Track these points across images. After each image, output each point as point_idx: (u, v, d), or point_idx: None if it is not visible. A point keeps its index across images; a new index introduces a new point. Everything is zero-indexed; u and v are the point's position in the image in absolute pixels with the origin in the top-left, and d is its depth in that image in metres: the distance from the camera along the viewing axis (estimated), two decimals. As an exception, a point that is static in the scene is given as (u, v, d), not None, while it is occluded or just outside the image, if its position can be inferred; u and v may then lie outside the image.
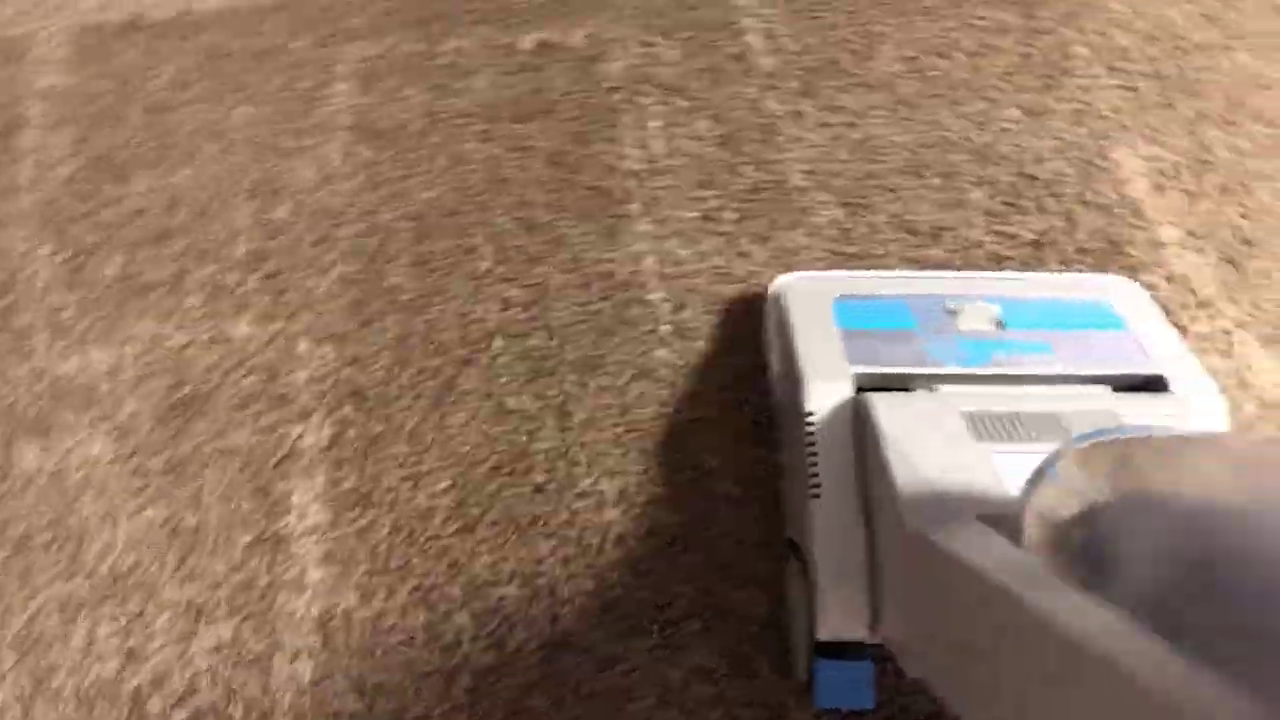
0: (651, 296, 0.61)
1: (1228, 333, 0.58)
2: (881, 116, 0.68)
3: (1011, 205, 0.63)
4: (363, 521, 0.54)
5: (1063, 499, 0.34)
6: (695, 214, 0.64)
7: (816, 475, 0.45)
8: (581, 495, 0.54)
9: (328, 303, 0.62)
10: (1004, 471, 0.40)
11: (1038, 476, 0.36)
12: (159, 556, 0.54)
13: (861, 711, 0.47)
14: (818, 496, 0.44)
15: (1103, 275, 0.56)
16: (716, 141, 0.67)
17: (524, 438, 0.56)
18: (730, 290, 0.60)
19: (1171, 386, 0.45)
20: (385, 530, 0.54)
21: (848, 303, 0.52)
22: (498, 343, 0.60)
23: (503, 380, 0.58)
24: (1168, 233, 0.62)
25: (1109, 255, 0.60)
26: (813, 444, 0.46)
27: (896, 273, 0.55)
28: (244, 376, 0.60)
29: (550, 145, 0.68)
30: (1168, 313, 0.58)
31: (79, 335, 0.62)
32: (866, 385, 0.47)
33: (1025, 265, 0.60)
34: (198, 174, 0.69)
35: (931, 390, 0.46)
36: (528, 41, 0.74)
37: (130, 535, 0.55)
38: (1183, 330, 0.57)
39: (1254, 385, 0.56)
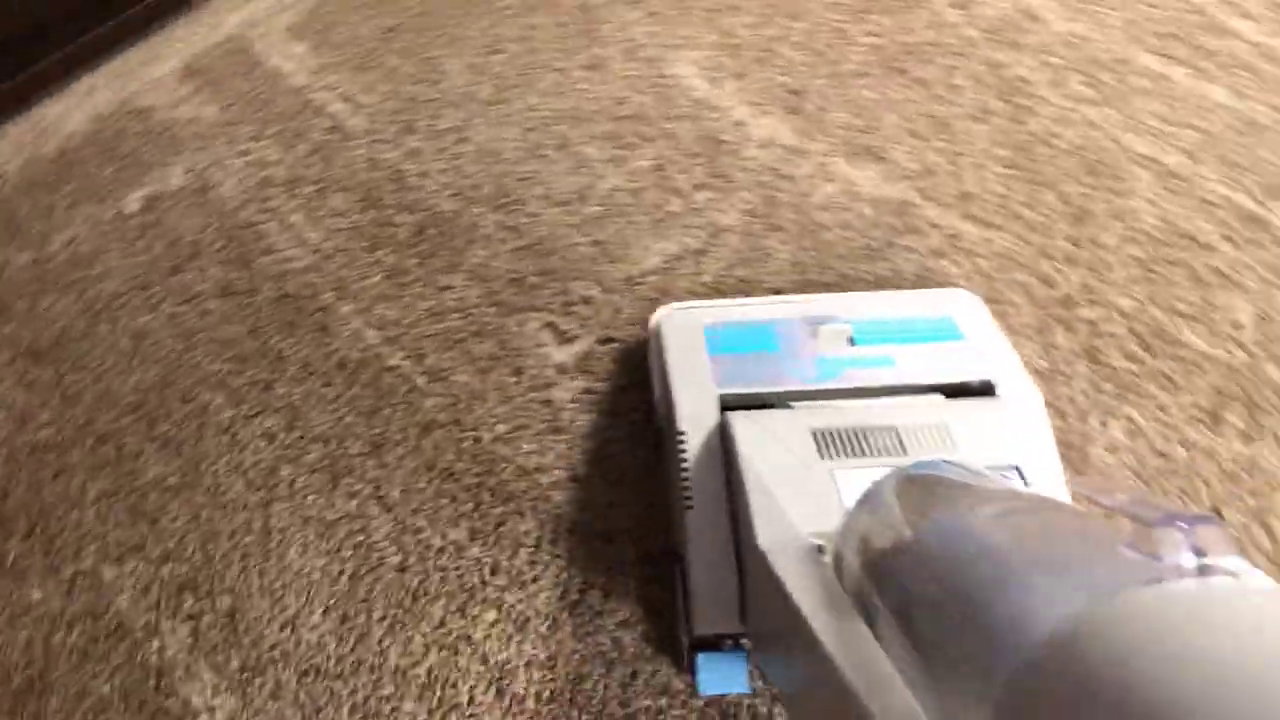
0: (393, 362, 0.65)
1: (823, 164, 0.72)
2: (480, 122, 0.75)
3: (624, 147, 0.73)
4: (269, 685, 0.56)
5: (879, 529, 0.40)
6: (381, 275, 0.69)
7: (689, 488, 0.49)
8: (439, 550, 0.59)
9: (103, 525, 0.61)
10: (845, 487, 0.46)
11: (861, 504, 0.43)
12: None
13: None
14: (691, 508, 0.49)
15: (949, 290, 0.61)
16: (359, 208, 0.72)
17: (361, 535, 0.60)
18: (453, 322, 0.66)
19: (998, 391, 0.52)
20: (293, 681, 0.56)
21: (716, 330, 0.56)
22: (284, 471, 0.62)
23: (310, 500, 0.61)
24: (740, 111, 0.74)
25: (713, 150, 0.72)
26: (684, 460, 0.50)
27: (762, 300, 0.60)
28: (66, 635, 0.58)
29: (215, 281, 0.70)
30: (776, 176, 0.71)
31: None
32: (731, 404, 0.51)
33: (656, 191, 0.71)
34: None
35: (787, 407, 0.51)
36: (133, 203, 0.74)
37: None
38: (789, 179, 0.71)
39: (860, 192, 0.70)
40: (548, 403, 0.63)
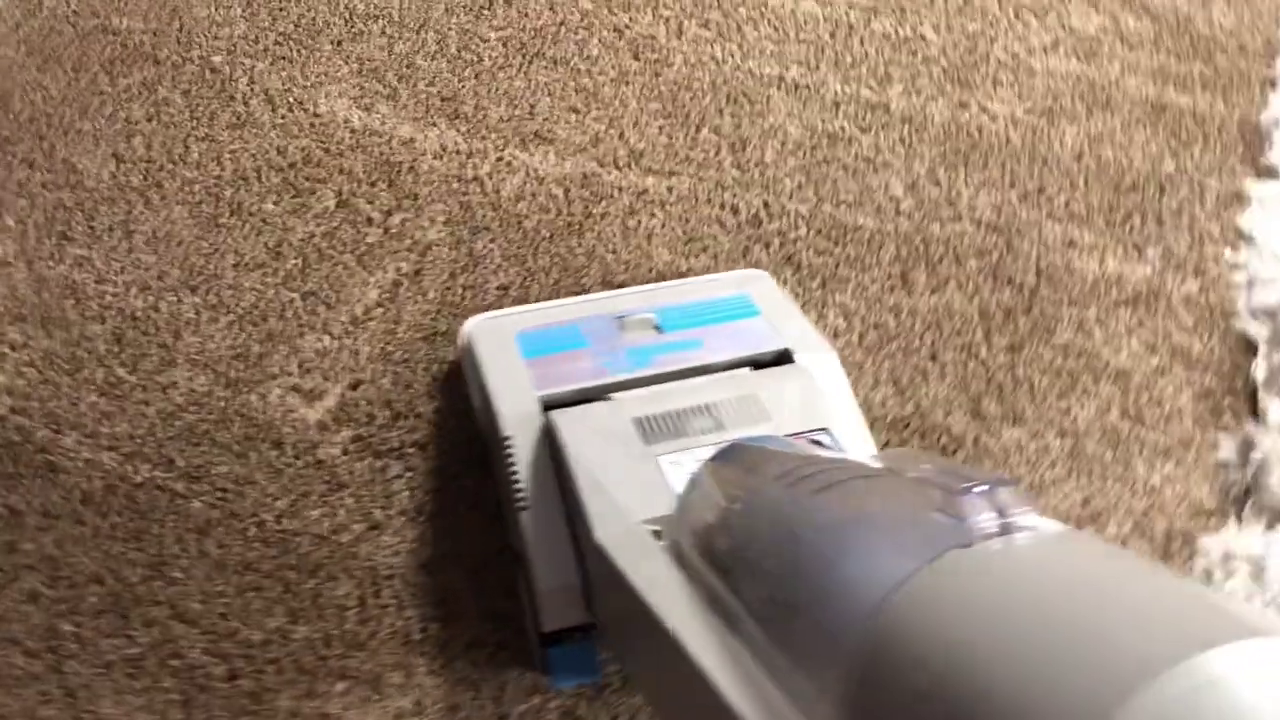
0: (141, 477, 0.62)
1: (501, 159, 0.74)
2: (142, 210, 0.71)
3: (302, 194, 0.72)
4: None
5: (704, 508, 0.42)
6: (95, 394, 0.64)
7: (522, 490, 0.51)
8: (264, 644, 0.57)
9: None
10: (671, 470, 0.48)
11: (689, 487, 0.45)
12: None
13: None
14: (526, 509, 0.51)
15: (742, 271, 0.65)
16: (42, 335, 0.67)
17: (175, 660, 0.57)
18: (191, 417, 0.63)
19: (796, 358, 0.55)
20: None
21: (527, 334, 0.58)
22: (65, 627, 0.57)
23: (105, 644, 0.57)
24: (404, 130, 0.75)
25: (391, 173, 0.73)
26: (513, 464, 0.52)
27: (568, 300, 0.61)
28: None
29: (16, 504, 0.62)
30: (461, 181, 0.72)
31: None
32: (552, 404, 0.53)
33: (349, 227, 0.70)
34: None
35: (607, 399, 0.53)
36: None
37: None
38: (475, 180, 0.73)
39: (544, 175, 0.73)
40: (319, 464, 0.62)
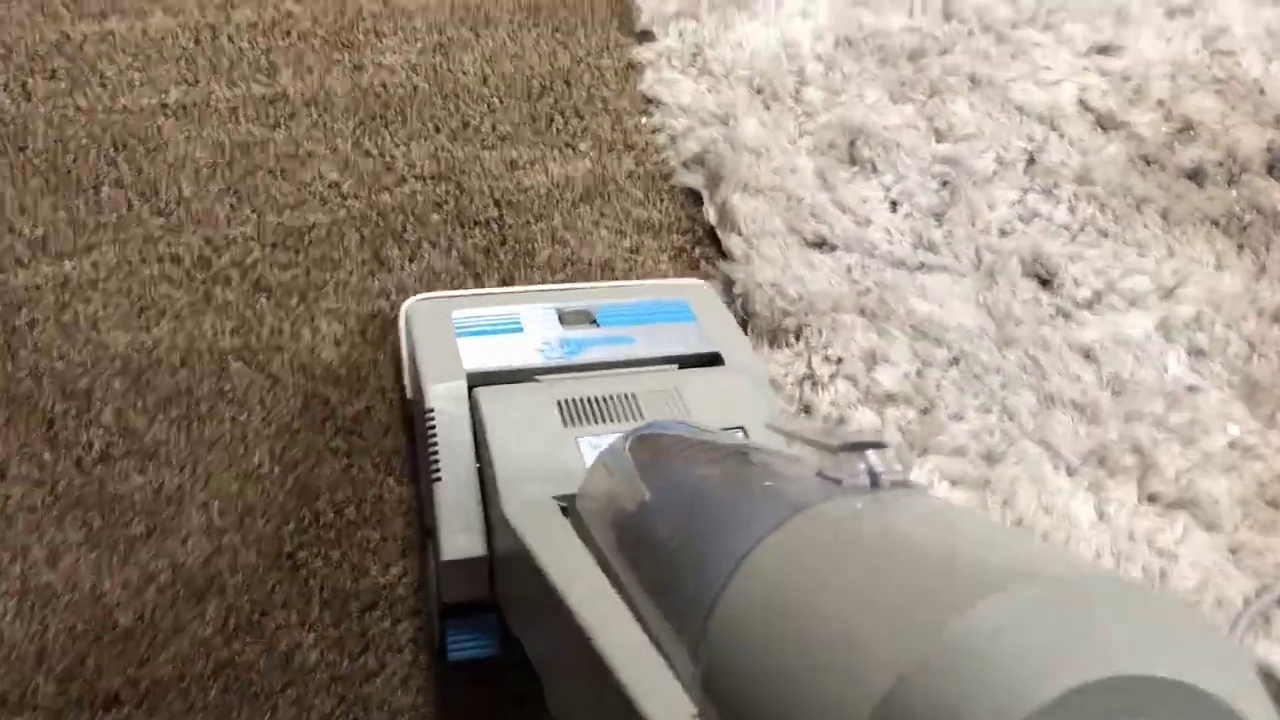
0: None
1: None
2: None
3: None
4: None
5: (619, 488, 0.42)
6: None
7: (437, 462, 0.51)
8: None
9: None
10: (589, 452, 0.49)
11: (599, 462, 0.45)
12: None
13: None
14: (439, 480, 0.51)
15: (683, 280, 0.68)
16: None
17: None
18: None
19: (726, 360, 0.58)
20: None
21: (464, 314, 0.59)
22: None
23: None
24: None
25: None
26: (433, 435, 0.52)
27: (511, 289, 0.65)
28: None
29: None
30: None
31: None
32: (479, 382, 0.53)
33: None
34: None
35: (534, 381, 0.54)
36: None
37: None
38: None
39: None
40: None
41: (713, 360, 0.59)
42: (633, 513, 0.39)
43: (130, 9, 0.78)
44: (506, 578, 0.49)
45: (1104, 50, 0.84)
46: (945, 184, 0.74)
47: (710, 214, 0.73)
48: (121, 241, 0.66)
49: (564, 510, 0.46)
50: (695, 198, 0.75)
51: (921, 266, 0.70)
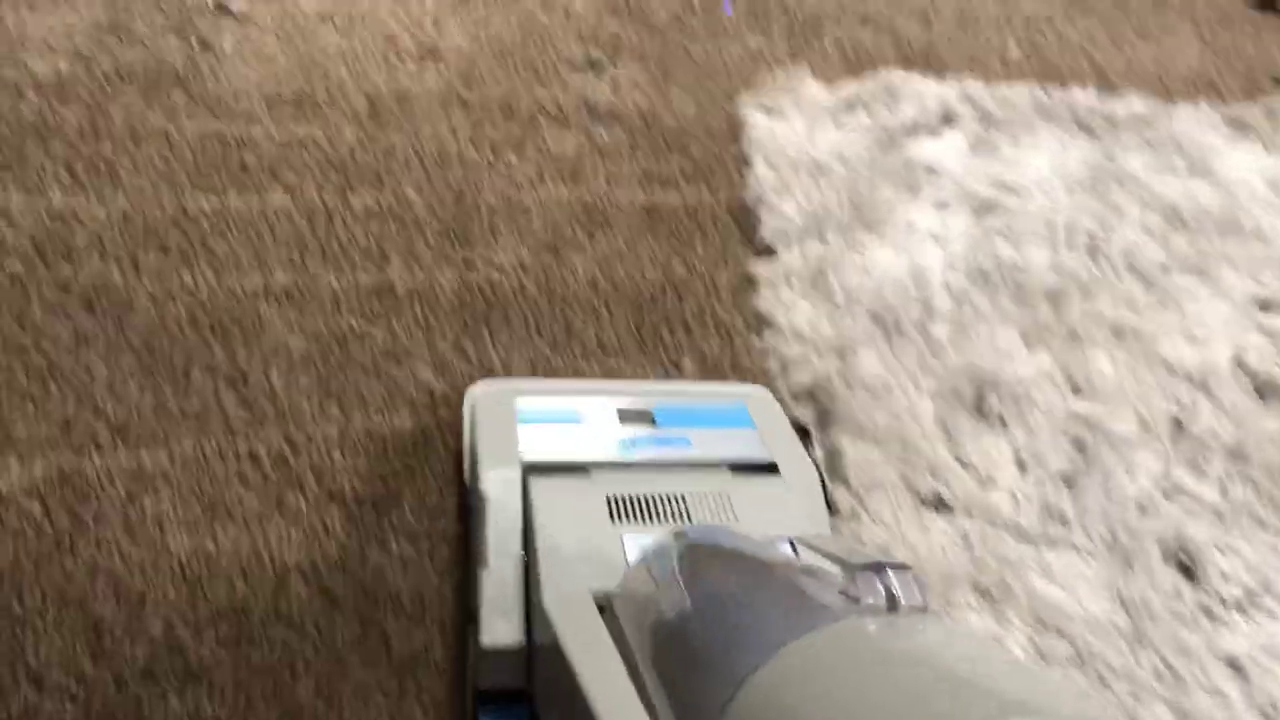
0: None
1: None
2: None
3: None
4: None
5: (657, 590, 0.43)
6: None
7: (487, 548, 0.51)
8: None
9: None
10: (632, 550, 0.49)
11: (640, 565, 0.46)
12: None
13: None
14: (486, 566, 0.51)
15: (744, 385, 0.67)
16: None
17: None
18: None
19: (782, 472, 0.57)
20: None
21: (527, 402, 0.59)
22: None
23: None
24: None
25: None
26: (485, 520, 0.52)
27: (578, 381, 0.65)
28: None
29: None
30: None
31: None
32: (534, 471, 0.53)
33: None
34: None
35: (587, 474, 0.54)
36: None
37: None
38: None
39: (5, 492, 0.61)
40: None
41: (769, 469, 0.58)
42: (668, 619, 0.40)
43: (252, 185, 0.78)
44: (542, 667, 0.49)
45: (1266, 306, 0.77)
46: (1080, 447, 0.68)
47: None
48: (202, 433, 0.64)
49: (601, 608, 0.46)
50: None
51: (1048, 541, 0.63)
